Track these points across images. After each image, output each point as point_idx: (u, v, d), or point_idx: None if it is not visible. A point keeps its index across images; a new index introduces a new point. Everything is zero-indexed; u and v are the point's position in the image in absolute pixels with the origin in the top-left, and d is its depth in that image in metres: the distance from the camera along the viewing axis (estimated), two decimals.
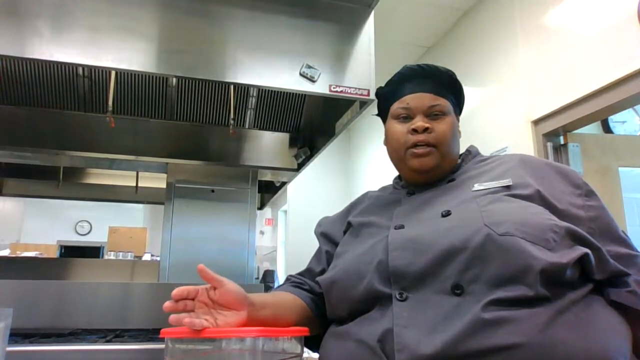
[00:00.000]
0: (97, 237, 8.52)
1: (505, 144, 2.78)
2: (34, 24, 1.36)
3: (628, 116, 3.32)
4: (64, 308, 2.03)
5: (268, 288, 6.09)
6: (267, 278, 6.30)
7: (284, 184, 2.81)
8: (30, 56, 1.35)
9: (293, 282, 1.14)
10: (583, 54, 2.39)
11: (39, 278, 2.15)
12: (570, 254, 0.78)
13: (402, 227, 0.91)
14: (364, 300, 0.86)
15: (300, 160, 2.37)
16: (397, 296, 0.81)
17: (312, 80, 1.54)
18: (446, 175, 1.02)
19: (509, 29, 2.93)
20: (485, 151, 1.12)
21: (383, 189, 1.16)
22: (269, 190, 3.01)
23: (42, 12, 1.37)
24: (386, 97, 1.09)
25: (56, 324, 1.96)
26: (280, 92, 2.22)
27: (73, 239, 8.88)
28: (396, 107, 1.04)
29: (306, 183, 5.32)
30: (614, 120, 3.28)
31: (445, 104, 1.02)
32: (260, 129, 2.45)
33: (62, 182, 2.85)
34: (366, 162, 5.32)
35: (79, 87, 2.15)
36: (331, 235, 1.13)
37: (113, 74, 2.01)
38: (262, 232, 7.24)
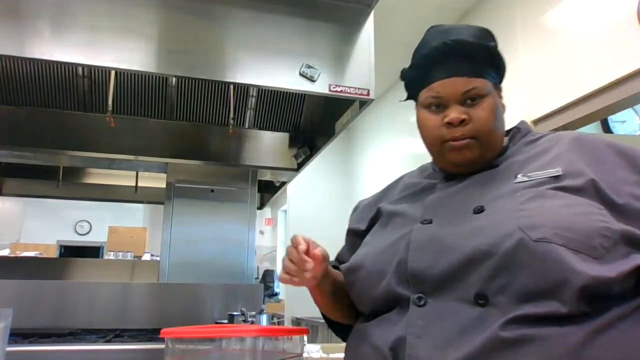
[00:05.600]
0: (97, 237, 8.50)
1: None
2: (34, 24, 1.36)
3: (628, 116, 3.31)
4: (64, 308, 2.03)
5: (268, 288, 6.10)
6: (267, 278, 6.30)
7: (283, 183, 2.81)
8: (30, 56, 1.35)
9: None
10: (583, 54, 2.39)
11: (39, 278, 2.15)
12: (622, 265, 0.66)
13: (429, 221, 0.82)
14: (383, 301, 0.81)
15: (300, 160, 2.37)
16: (416, 301, 0.74)
17: (312, 80, 1.54)
18: (490, 160, 0.88)
19: (509, 29, 2.93)
20: None
21: (421, 169, 1.04)
22: (268, 190, 3.01)
23: (42, 12, 1.37)
24: (412, 81, 0.94)
25: (56, 324, 1.96)
26: (280, 91, 2.22)
27: (73, 238, 8.86)
28: (425, 95, 0.90)
29: (306, 183, 5.32)
30: (614, 120, 3.28)
31: (482, 84, 0.86)
32: (260, 128, 2.45)
33: (62, 182, 2.85)
34: (366, 162, 5.32)
35: (79, 87, 2.15)
36: (356, 229, 1.03)
37: (113, 73, 2.01)
38: (261, 232, 7.24)
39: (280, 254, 6.75)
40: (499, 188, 0.80)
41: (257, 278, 6.18)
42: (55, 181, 2.85)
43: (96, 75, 2.12)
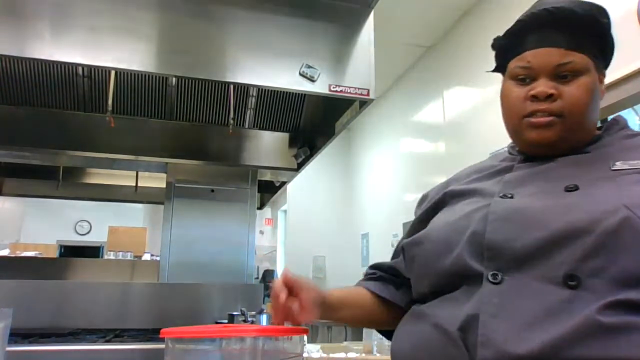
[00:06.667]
0: (96, 237, 8.51)
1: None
2: (34, 24, 1.36)
3: (628, 116, 3.32)
4: (64, 308, 2.03)
5: (267, 288, 6.11)
6: (267, 278, 6.30)
7: (283, 183, 2.81)
8: (30, 56, 1.36)
9: (366, 277, 1.00)
10: None
11: (39, 278, 2.15)
12: None
13: (510, 196, 0.73)
14: (449, 276, 0.72)
15: (300, 160, 2.37)
16: (490, 277, 0.66)
17: (311, 80, 1.54)
18: (577, 148, 0.79)
19: None
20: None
21: (494, 157, 0.95)
22: (268, 190, 3.01)
23: (42, 12, 1.37)
24: (504, 50, 0.86)
25: (56, 324, 1.96)
26: (280, 91, 2.22)
27: (73, 238, 8.87)
28: (514, 65, 0.82)
29: (306, 183, 5.32)
30: None
31: (581, 60, 0.77)
32: (260, 128, 2.45)
33: (62, 182, 2.86)
34: (366, 162, 5.32)
35: (79, 87, 2.15)
36: (419, 216, 0.95)
37: (113, 73, 2.01)
38: (261, 232, 7.24)
39: (280, 253, 6.75)
40: (593, 172, 0.72)
41: (257, 278, 6.18)
42: (55, 181, 2.85)
43: (96, 75, 2.12)
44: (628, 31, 2.14)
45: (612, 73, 2.20)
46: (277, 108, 2.36)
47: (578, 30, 0.78)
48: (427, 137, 4.06)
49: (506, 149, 0.94)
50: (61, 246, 8.33)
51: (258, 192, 2.71)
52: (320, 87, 1.55)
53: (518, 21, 0.82)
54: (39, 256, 4.59)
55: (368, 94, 1.60)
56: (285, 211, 6.09)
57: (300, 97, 2.32)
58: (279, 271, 6.57)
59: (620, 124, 0.84)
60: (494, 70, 0.91)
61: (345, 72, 1.60)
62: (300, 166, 2.43)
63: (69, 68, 2.07)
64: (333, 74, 1.57)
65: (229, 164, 2.44)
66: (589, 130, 0.80)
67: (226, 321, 2.06)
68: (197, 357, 0.81)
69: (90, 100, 2.20)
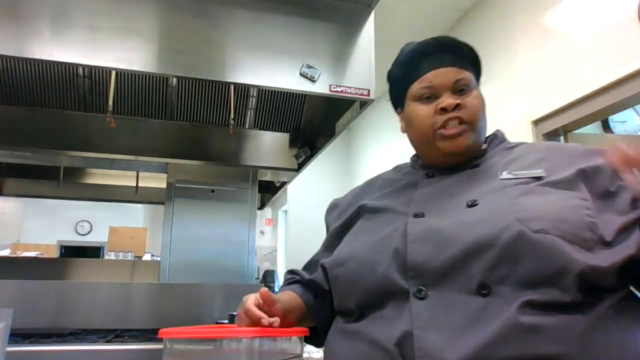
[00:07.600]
0: (97, 237, 8.52)
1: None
2: (34, 24, 1.36)
3: (628, 116, 3.31)
4: (64, 308, 2.03)
5: (268, 288, 6.10)
6: (267, 278, 6.29)
7: (284, 184, 2.81)
8: (30, 56, 1.35)
9: (289, 281, 1.08)
10: (583, 54, 2.39)
11: (39, 278, 2.15)
12: (612, 256, 0.70)
13: (422, 215, 0.82)
14: (375, 293, 0.79)
15: (300, 160, 2.36)
16: (416, 293, 0.73)
17: (312, 80, 1.54)
18: (470, 160, 0.91)
19: (509, 29, 2.93)
20: None
21: (397, 168, 1.06)
22: (269, 190, 3.01)
23: (42, 12, 1.37)
24: (401, 79, 0.96)
25: (56, 324, 1.96)
26: (281, 92, 2.22)
27: (73, 239, 8.87)
28: (417, 87, 0.92)
29: (306, 183, 5.32)
30: (615, 120, 3.27)
31: (470, 77, 0.91)
32: (260, 129, 2.45)
33: (62, 182, 2.85)
34: (366, 162, 5.32)
35: (79, 87, 2.15)
36: (337, 228, 1.02)
37: (113, 74, 2.01)
38: (262, 232, 7.24)
39: (281, 254, 6.75)
40: (486, 184, 0.83)
41: (258, 278, 6.17)
42: (55, 181, 2.85)
43: (96, 75, 2.12)
44: (628, 31, 2.14)
45: (612, 73, 2.20)
46: (278, 108, 2.36)
47: (462, 55, 0.92)
48: None
49: (409, 162, 1.05)
50: (62, 246, 8.34)
51: (258, 192, 2.70)
52: (320, 87, 1.55)
53: (409, 51, 0.96)
54: (40, 256, 4.60)
55: (368, 94, 1.60)
56: (285, 211, 6.09)
57: (300, 97, 2.32)
58: (280, 271, 6.57)
59: (499, 137, 0.97)
60: (392, 100, 1.02)
61: (346, 72, 1.59)
62: (300, 166, 2.43)
63: (69, 68, 2.07)
64: (333, 74, 1.57)
65: (230, 164, 2.44)
66: (482, 142, 0.92)
67: (227, 321, 2.06)
68: (195, 357, 0.81)
69: (90, 101, 2.20)
